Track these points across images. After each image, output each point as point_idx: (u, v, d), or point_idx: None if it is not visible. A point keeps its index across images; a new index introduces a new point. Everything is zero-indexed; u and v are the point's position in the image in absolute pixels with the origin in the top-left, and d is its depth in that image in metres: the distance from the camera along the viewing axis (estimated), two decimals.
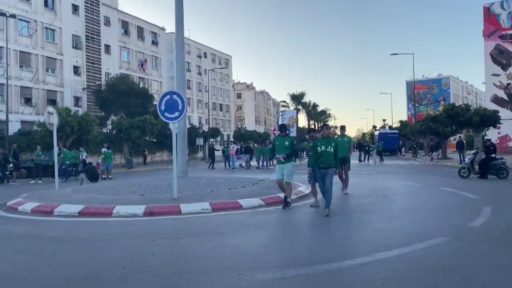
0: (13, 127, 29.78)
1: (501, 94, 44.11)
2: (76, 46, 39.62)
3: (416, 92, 66.67)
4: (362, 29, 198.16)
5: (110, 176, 19.96)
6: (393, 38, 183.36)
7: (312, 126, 65.71)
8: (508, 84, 44.10)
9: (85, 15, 40.66)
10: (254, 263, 4.75)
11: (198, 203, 8.83)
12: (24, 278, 4.38)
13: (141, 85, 43.76)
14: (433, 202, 9.73)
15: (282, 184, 8.94)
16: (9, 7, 32.45)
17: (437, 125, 32.44)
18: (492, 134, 36.25)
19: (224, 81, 72.65)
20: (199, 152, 44.70)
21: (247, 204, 8.98)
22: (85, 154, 22.48)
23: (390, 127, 60.76)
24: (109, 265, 4.86)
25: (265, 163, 26.36)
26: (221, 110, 71.52)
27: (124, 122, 32.37)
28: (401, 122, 58.40)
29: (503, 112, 34.85)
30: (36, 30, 35.65)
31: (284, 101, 73.83)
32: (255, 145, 34.24)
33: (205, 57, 66.06)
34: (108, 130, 37.59)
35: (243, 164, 27.29)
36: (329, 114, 76.47)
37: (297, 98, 69.66)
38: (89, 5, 41.16)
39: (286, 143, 8.84)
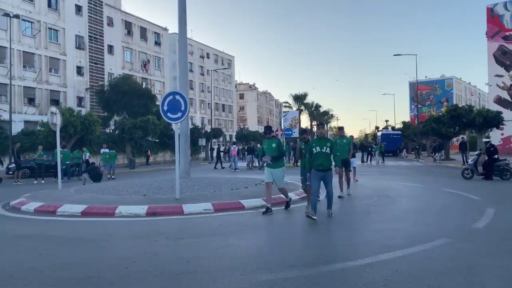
0: (17, 127, 29.87)
1: (504, 95, 43.93)
2: (79, 46, 39.77)
3: (419, 93, 66.58)
4: (365, 30, 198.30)
5: (113, 177, 20.03)
6: (396, 39, 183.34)
7: (314, 127, 65.58)
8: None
9: (88, 16, 40.80)
10: (257, 263, 4.75)
11: (201, 203, 8.84)
12: (27, 278, 4.40)
13: (143, 86, 43.86)
14: (436, 203, 9.69)
15: (269, 187, 8.48)
16: (12, 7, 32.63)
17: (440, 126, 32.34)
18: (495, 135, 36.27)
19: (227, 82, 72.74)
20: (201, 152, 44.71)
21: (250, 204, 8.98)
22: (88, 154, 22.52)
23: (393, 128, 60.66)
24: (111, 265, 4.87)
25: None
26: (223, 110, 71.61)
27: (126, 122, 32.44)
28: (403, 123, 58.28)
29: (506, 113, 34.68)
30: (39, 31, 35.78)
31: (287, 102, 73.75)
32: (258, 145, 34.17)
33: (208, 57, 66.17)
34: (111, 130, 37.67)
35: (238, 167, 26.64)
36: (331, 114, 76.18)
37: (299, 99, 69.50)
38: (92, 6, 41.30)
39: (273, 145, 8.48)
